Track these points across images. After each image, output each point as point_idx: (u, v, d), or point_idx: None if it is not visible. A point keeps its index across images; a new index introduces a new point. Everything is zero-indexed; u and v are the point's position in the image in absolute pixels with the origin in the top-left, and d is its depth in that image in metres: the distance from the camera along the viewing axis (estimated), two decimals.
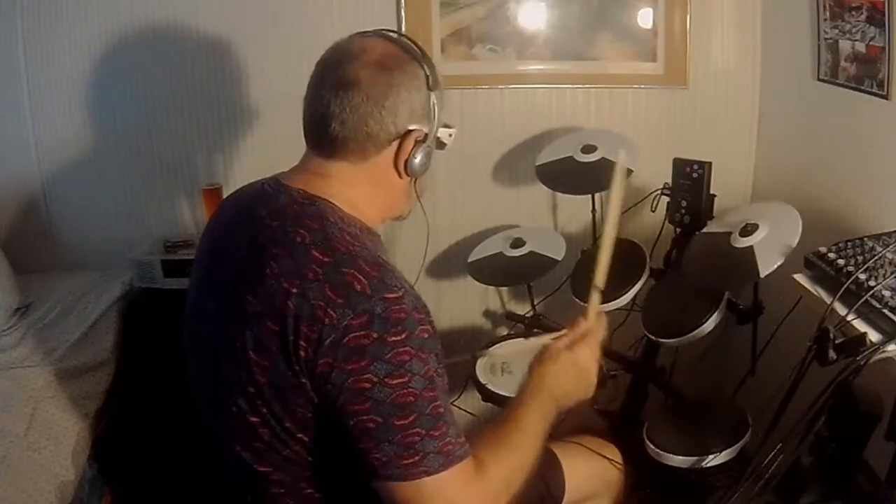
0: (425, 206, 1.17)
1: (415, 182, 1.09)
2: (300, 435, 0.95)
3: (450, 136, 1.08)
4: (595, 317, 1.17)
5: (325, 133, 1.00)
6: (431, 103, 1.03)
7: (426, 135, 1.03)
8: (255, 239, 0.97)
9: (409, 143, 1.02)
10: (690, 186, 1.75)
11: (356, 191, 1.03)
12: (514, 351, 1.80)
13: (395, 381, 0.87)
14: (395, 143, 1.02)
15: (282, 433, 0.95)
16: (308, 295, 0.89)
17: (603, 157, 1.84)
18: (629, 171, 1.77)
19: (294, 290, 0.89)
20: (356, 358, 0.87)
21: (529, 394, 1.07)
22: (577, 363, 1.10)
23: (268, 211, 1.00)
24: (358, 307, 0.88)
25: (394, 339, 0.88)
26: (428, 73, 1.02)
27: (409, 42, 1.05)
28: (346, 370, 0.87)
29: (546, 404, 1.06)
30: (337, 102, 0.97)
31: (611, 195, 1.19)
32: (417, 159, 1.02)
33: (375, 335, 0.87)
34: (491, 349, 1.80)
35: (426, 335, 0.91)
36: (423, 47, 1.05)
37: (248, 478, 1.01)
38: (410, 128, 1.01)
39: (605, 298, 1.71)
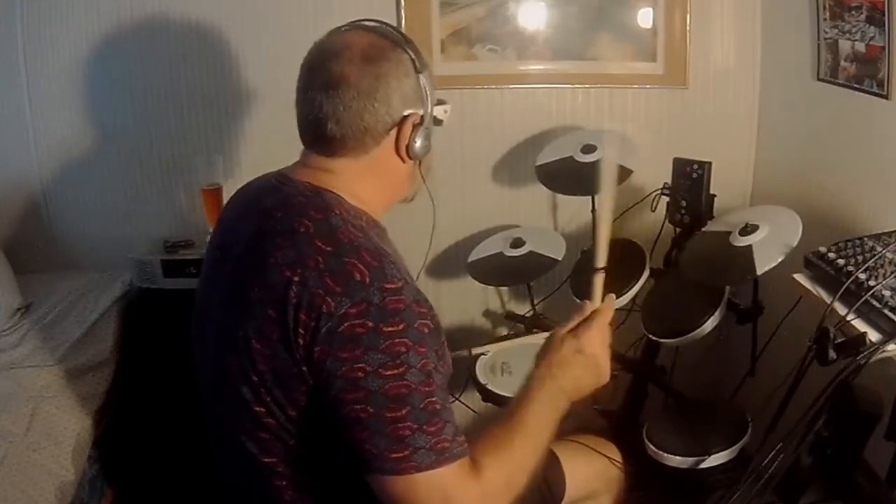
0: (426, 202, 1.17)
1: (419, 164, 1.09)
2: (303, 424, 0.95)
3: (445, 111, 1.08)
4: (600, 299, 1.14)
5: (322, 134, 1.00)
6: (422, 85, 1.03)
7: (422, 117, 1.03)
8: (260, 229, 0.98)
9: (407, 128, 1.02)
10: (690, 186, 1.75)
11: (361, 183, 1.04)
12: (511, 347, 1.80)
13: (389, 372, 0.87)
14: (394, 131, 1.02)
15: (286, 423, 0.95)
16: (308, 283, 0.89)
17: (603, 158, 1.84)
18: (626, 171, 1.78)
19: (295, 279, 0.90)
20: (351, 346, 0.87)
21: (536, 386, 1.02)
22: (582, 348, 1.05)
23: (273, 202, 1.00)
24: (356, 296, 0.88)
25: (390, 329, 0.88)
26: (413, 57, 1.02)
27: (388, 29, 1.04)
28: (340, 358, 0.87)
29: (554, 395, 1.02)
30: (329, 102, 0.98)
31: (604, 173, 1.18)
32: (418, 143, 1.03)
33: (371, 324, 0.87)
34: (488, 346, 1.80)
35: (426, 329, 0.91)
36: (407, 35, 1.04)
37: (251, 472, 1.01)
38: (405, 113, 1.02)
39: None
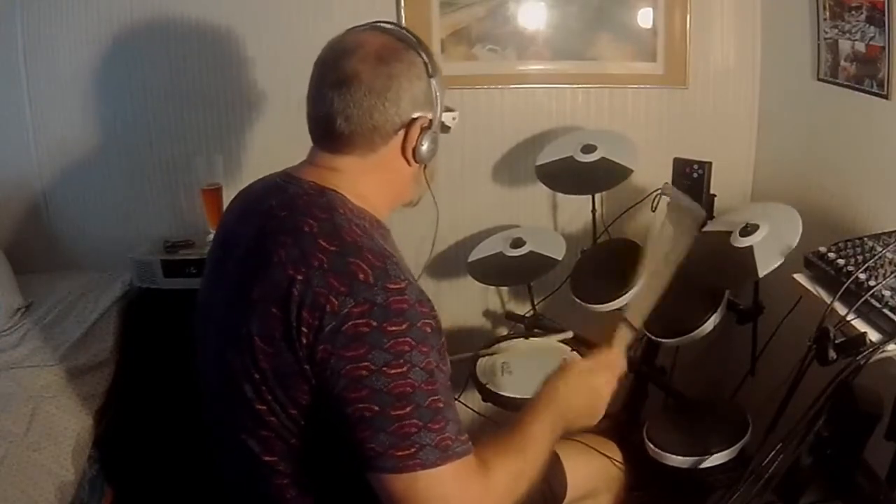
0: (429, 204, 1.17)
1: (424, 168, 1.10)
2: (304, 423, 0.95)
3: (453, 119, 1.09)
4: (622, 352, 1.20)
5: (331, 130, 1.01)
6: (433, 89, 1.04)
7: (431, 121, 1.04)
8: (264, 228, 0.98)
9: (415, 130, 1.03)
10: (690, 186, 1.75)
11: (366, 182, 1.04)
12: (517, 350, 1.80)
13: (393, 371, 0.87)
14: (402, 133, 1.03)
15: (287, 421, 0.95)
16: (312, 282, 0.89)
17: (603, 157, 1.84)
18: (626, 170, 1.78)
19: (299, 277, 0.90)
20: (355, 346, 0.87)
21: (543, 403, 1.08)
22: (595, 387, 1.13)
23: (277, 202, 1.01)
24: (359, 296, 0.88)
25: (393, 328, 0.88)
26: (426, 60, 1.03)
27: (403, 31, 1.05)
28: (344, 357, 0.88)
29: (556, 417, 1.07)
30: (340, 99, 0.99)
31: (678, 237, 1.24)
32: (425, 146, 1.04)
33: (375, 324, 0.88)
34: (493, 348, 1.80)
35: (429, 329, 0.91)
36: (421, 39, 1.05)
37: (252, 470, 1.01)
38: (414, 116, 1.03)
39: (606, 298, 1.71)
